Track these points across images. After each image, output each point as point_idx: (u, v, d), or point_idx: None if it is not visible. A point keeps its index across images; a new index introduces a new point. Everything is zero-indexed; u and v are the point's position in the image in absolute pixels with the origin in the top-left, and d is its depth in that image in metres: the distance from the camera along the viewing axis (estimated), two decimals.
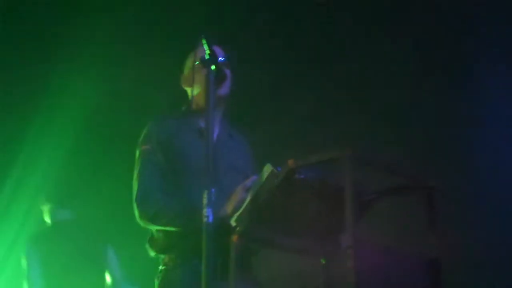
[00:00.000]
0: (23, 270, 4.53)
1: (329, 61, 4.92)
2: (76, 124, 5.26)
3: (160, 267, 2.91)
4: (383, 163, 2.42)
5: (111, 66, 5.17)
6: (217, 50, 2.79)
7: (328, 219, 2.52)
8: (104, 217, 4.88)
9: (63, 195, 4.69)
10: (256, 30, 5.05)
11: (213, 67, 2.58)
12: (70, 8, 5.24)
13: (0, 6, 5.19)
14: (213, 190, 2.44)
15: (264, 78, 4.99)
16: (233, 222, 2.55)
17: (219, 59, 2.74)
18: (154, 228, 2.91)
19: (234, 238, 2.49)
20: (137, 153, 2.99)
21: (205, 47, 2.61)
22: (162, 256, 2.92)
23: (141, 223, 2.89)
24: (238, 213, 2.56)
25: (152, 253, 2.96)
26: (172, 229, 2.82)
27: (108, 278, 4.58)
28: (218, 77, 2.64)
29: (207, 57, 2.60)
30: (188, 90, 3.07)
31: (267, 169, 2.47)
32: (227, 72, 2.91)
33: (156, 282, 2.91)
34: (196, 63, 2.83)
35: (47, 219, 4.67)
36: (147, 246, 2.98)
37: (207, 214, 2.41)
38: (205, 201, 2.42)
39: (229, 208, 2.70)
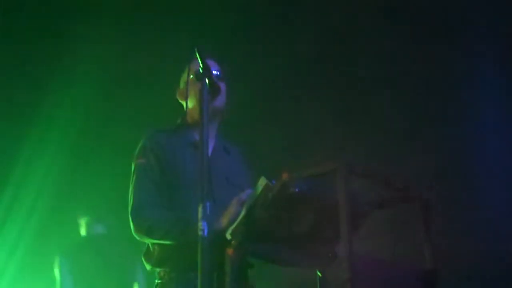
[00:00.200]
0: (56, 280, 4.73)
1: (325, 72, 4.93)
2: (76, 126, 5.29)
3: (156, 281, 2.91)
4: (377, 175, 2.43)
5: (114, 69, 5.20)
6: (211, 63, 2.79)
7: (323, 232, 2.53)
8: None
9: (101, 209, 4.88)
10: (249, 42, 5.07)
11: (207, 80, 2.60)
12: (70, 9, 5.25)
13: (0, 6, 5.20)
14: (208, 203, 2.43)
15: (259, 89, 5.00)
16: (228, 236, 2.55)
17: (213, 72, 2.75)
18: (149, 241, 2.91)
19: (229, 251, 2.49)
20: (133, 166, 2.99)
21: (199, 60, 2.62)
22: (157, 269, 2.91)
23: (137, 236, 2.89)
24: (233, 227, 2.56)
25: (148, 267, 2.96)
26: (167, 242, 2.82)
27: None
28: (212, 91, 2.65)
29: (200, 70, 2.61)
30: (183, 103, 3.08)
31: (262, 182, 2.47)
32: (221, 85, 2.92)
33: None
34: (191, 77, 2.84)
35: (83, 231, 4.89)
36: (142, 259, 2.98)
37: (202, 227, 2.40)
38: (200, 214, 2.41)
39: (224, 221, 2.69)
